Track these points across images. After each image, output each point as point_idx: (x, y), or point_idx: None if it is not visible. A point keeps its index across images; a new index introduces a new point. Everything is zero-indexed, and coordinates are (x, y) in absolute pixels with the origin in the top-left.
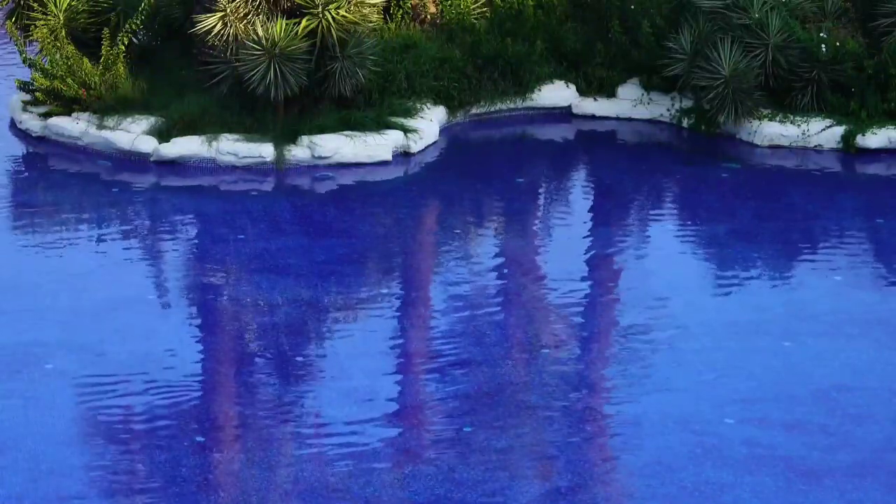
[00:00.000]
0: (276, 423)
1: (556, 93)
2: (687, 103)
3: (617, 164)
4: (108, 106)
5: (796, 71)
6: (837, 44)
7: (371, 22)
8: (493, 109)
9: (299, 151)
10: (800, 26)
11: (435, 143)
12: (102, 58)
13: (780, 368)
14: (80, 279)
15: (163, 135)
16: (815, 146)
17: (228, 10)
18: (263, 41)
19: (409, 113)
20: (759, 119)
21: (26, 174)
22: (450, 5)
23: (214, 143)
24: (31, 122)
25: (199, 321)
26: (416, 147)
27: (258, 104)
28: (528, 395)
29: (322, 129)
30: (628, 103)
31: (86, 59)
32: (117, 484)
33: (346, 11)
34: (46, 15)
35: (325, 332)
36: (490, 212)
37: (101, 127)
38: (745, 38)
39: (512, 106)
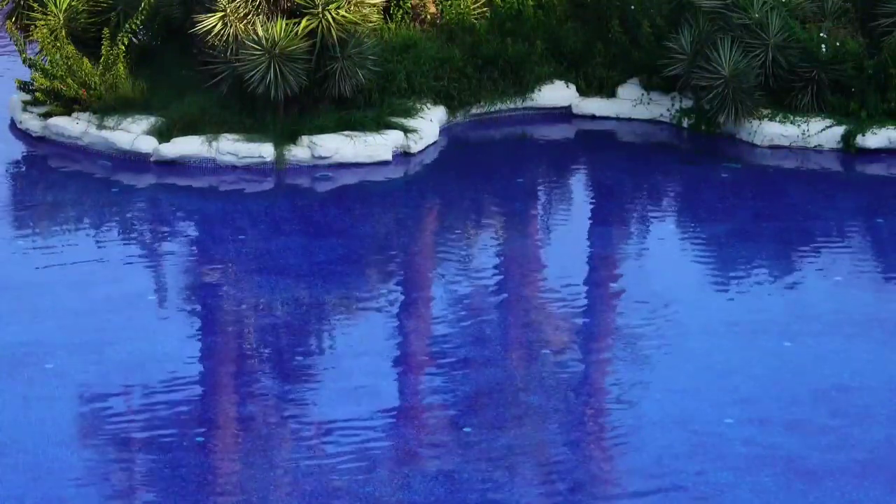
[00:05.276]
0: (276, 423)
1: (556, 93)
2: (687, 103)
3: (617, 164)
4: (108, 106)
5: (796, 71)
6: (837, 44)
7: (371, 22)
8: (493, 109)
9: (299, 151)
10: (800, 26)
11: (435, 143)
12: (102, 58)
13: (780, 368)
14: (79, 279)
15: (163, 135)
16: (815, 146)
17: (228, 10)
18: (263, 41)
19: (409, 113)
20: (759, 119)
21: (26, 174)
22: (450, 5)
23: (214, 143)
24: (31, 122)
25: (198, 321)
26: (416, 147)
27: (258, 104)
28: (528, 395)
29: (322, 129)
30: (628, 103)
31: (86, 59)
32: (117, 484)
33: (346, 11)
34: (46, 15)
35: (325, 332)
36: (490, 212)
37: (101, 127)
38: (745, 38)
39: (512, 106)
